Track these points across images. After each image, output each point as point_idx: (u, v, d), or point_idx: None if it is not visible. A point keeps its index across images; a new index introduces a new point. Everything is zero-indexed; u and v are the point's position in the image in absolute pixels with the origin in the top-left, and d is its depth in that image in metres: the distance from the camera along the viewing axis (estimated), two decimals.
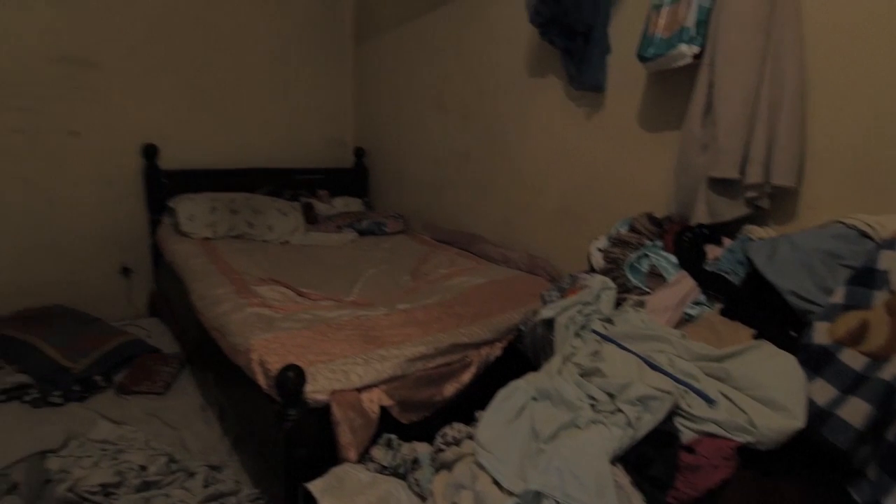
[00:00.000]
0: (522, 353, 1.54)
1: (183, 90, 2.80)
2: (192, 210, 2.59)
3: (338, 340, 1.45)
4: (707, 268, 1.31)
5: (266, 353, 1.36)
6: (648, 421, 0.96)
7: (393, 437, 1.28)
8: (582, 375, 1.14)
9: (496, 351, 1.60)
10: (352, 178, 3.43)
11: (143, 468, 1.56)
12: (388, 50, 3.10)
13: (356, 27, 3.35)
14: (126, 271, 2.79)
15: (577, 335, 1.30)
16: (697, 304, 1.28)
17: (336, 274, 2.18)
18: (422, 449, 1.23)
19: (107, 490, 1.46)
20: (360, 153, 3.43)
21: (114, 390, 2.09)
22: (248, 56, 2.99)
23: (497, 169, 2.40)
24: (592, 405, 1.05)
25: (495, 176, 2.41)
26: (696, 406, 0.99)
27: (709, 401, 0.99)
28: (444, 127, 2.72)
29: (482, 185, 2.50)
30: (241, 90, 3.01)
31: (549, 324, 1.37)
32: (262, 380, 1.34)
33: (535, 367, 1.31)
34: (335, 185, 3.33)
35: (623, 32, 1.74)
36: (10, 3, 2.29)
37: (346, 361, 1.34)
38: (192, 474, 1.55)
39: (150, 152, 2.70)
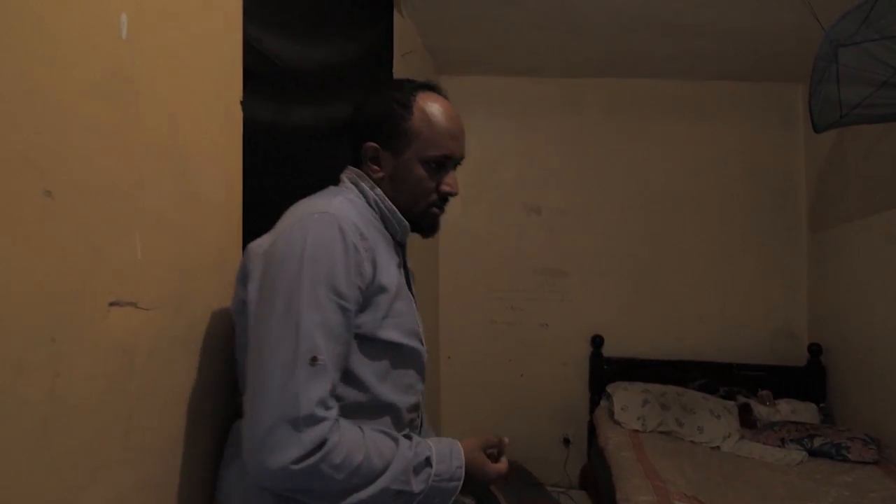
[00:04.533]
0: None
1: (628, 288, 3.22)
2: (625, 400, 2.81)
3: None
4: None
5: None
6: None
7: None
8: None
9: None
10: (803, 379, 2.99)
11: None
12: (852, 240, 2.73)
13: (812, 215, 3.12)
14: (566, 441, 3.21)
15: None
16: None
17: None
18: None
19: None
20: (815, 350, 2.99)
21: None
22: (689, 251, 3.20)
23: None
24: None
25: None
26: None
27: None
28: None
29: None
30: (681, 283, 3.20)
31: None
32: None
33: None
34: (780, 386, 2.97)
35: None
36: (520, 236, 3.27)
37: None
38: None
39: (597, 342, 3.16)
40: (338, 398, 0.82)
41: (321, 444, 0.72)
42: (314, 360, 0.75)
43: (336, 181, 1.66)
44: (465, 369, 3.28)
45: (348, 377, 0.84)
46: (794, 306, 3.15)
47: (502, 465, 0.97)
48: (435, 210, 0.98)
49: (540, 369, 3.24)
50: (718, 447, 2.57)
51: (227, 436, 1.01)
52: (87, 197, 0.68)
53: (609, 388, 2.98)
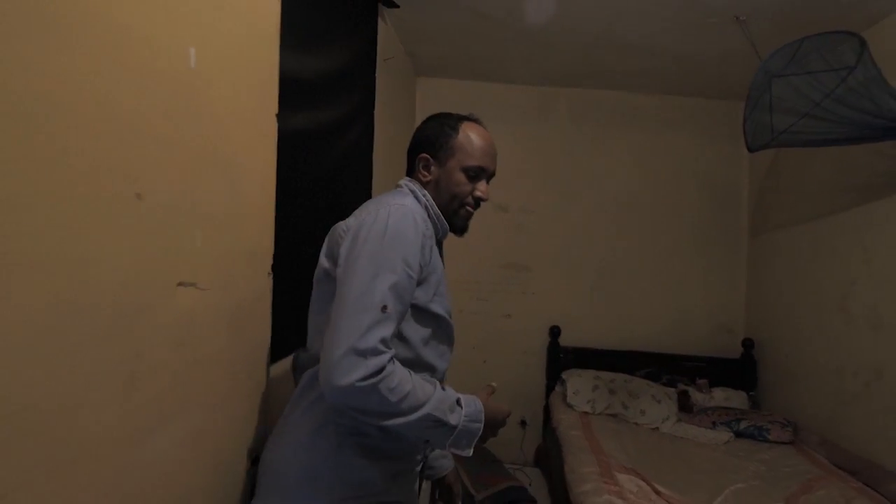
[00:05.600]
0: None
1: (585, 283, 3.49)
2: (578, 385, 3.09)
3: None
4: None
5: None
6: None
7: None
8: None
9: None
10: (737, 370, 3.33)
11: None
12: (783, 247, 3.07)
13: (751, 222, 3.46)
14: (523, 423, 3.47)
15: None
16: None
17: (699, 478, 2.20)
18: None
19: None
20: (748, 344, 3.34)
21: None
22: (642, 252, 3.49)
23: None
24: None
25: None
26: None
27: None
28: (847, 335, 2.46)
29: None
30: (633, 280, 3.49)
31: None
32: None
33: None
34: (717, 375, 3.30)
35: None
36: (488, 232, 3.48)
37: None
38: None
39: (554, 332, 3.42)
40: None
41: (381, 370, 0.91)
42: (384, 308, 0.95)
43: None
44: None
45: (401, 337, 1.05)
46: (733, 304, 3.49)
47: (506, 406, 1.17)
48: (467, 210, 1.20)
49: (502, 356, 3.48)
50: (657, 428, 2.87)
51: (258, 394, 1.20)
52: (164, 197, 0.85)
53: (564, 375, 3.25)
